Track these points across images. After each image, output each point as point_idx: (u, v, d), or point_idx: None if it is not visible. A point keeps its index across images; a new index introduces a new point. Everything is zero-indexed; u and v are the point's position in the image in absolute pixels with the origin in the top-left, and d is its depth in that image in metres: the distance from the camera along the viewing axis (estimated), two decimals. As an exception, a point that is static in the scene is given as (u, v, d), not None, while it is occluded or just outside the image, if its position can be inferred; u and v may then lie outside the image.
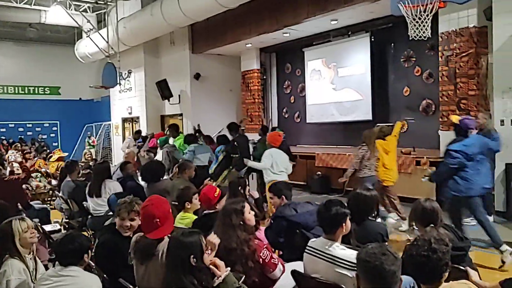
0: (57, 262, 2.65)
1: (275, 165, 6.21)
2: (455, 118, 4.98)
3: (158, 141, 8.82)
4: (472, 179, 4.60)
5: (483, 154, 4.69)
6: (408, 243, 2.41)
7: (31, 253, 2.93)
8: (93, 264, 2.83)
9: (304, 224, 3.47)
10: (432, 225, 2.90)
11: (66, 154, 11.03)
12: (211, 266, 2.29)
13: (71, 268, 2.52)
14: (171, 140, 8.93)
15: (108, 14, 13.74)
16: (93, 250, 2.98)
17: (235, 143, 7.63)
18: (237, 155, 7.41)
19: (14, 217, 2.91)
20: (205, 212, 3.69)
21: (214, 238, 2.44)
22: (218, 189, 3.79)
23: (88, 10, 14.19)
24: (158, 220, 2.61)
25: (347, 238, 2.78)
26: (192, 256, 2.24)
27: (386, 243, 3.13)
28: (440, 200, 5.09)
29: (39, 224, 4.37)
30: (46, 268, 4.10)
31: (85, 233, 5.24)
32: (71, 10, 13.63)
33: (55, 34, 17.55)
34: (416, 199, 7.61)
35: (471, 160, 4.57)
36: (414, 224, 3.17)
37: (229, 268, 2.35)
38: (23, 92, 19.64)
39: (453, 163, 4.56)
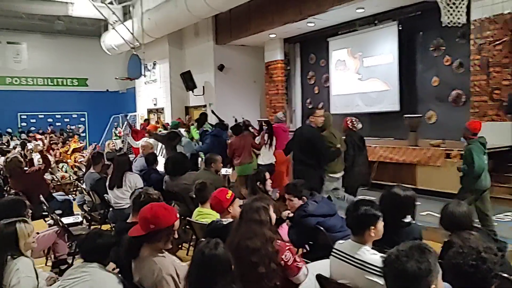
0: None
1: None
2: None
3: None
4: None
5: None
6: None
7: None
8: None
9: (333, 213, 3.40)
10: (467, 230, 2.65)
11: (83, 144, 11.13)
12: None
13: (92, 264, 2.47)
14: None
15: (133, 6, 13.81)
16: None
17: None
18: None
19: (17, 218, 2.77)
20: (218, 220, 3.30)
21: None
22: (230, 191, 3.40)
23: (114, 2, 14.29)
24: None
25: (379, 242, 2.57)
26: None
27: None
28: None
29: (59, 217, 4.38)
30: (65, 262, 4.15)
31: (107, 226, 5.28)
32: (97, 2, 13.76)
33: (82, 26, 17.79)
34: (445, 193, 7.40)
35: None
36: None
37: None
38: (52, 83, 20.03)
39: None
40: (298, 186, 3.73)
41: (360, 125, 6.30)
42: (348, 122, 6.19)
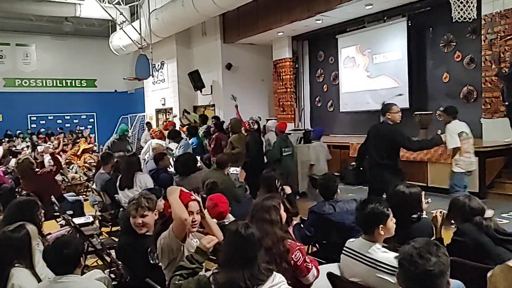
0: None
1: None
2: None
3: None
4: None
5: None
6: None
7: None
8: (119, 263, 2.76)
9: (340, 225, 3.31)
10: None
11: (91, 145, 11.16)
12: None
13: (68, 277, 2.23)
14: None
15: (140, 6, 13.84)
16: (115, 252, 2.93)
17: None
18: None
19: (22, 222, 2.60)
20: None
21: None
22: (224, 196, 3.50)
23: (121, 3, 14.32)
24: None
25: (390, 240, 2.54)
26: None
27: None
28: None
29: (70, 217, 4.39)
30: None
31: (117, 226, 5.29)
32: (105, 3, 13.80)
33: (90, 27, 17.88)
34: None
35: None
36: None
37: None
38: (61, 85, 20.18)
39: None
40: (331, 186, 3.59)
41: (255, 126, 7.52)
42: (246, 125, 7.53)
